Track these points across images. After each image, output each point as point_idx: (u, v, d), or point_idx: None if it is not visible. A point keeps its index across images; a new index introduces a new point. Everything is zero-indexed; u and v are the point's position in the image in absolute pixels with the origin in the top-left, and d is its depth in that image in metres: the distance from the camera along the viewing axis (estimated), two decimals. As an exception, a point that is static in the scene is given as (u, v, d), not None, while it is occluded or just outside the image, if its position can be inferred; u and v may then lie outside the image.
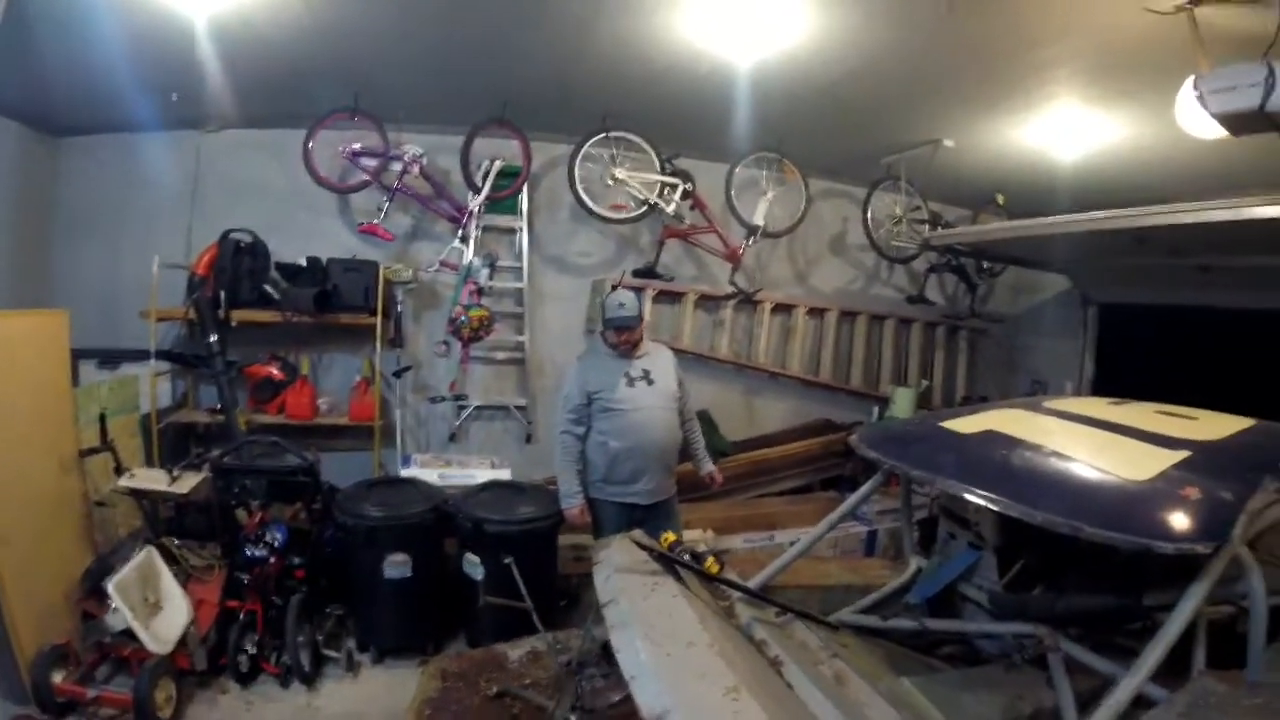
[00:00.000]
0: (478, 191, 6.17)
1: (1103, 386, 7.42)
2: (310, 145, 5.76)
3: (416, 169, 6.03)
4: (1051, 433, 2.95)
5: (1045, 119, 5.55)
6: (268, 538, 4.58)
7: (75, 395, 4.74)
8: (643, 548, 2.98)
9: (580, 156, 6.08)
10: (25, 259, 5.89)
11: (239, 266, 5.73)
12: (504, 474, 5.64)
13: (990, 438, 2.91)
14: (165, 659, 3.98)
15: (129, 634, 3.99)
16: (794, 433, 7.71)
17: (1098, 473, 2.51)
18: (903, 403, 7.52)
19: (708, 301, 7.40)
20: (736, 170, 6.76)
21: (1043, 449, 2.72)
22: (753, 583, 3.11)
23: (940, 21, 4.19)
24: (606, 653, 2.94)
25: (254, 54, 4.75)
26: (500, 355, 6.87)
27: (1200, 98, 3.34)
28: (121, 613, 3.94)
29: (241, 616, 4.46)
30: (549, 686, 3.00)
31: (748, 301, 7.35)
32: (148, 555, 4.34)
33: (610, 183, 6.25)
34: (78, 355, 4.88)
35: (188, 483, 4.65)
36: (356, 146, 5.89)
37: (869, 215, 7.32)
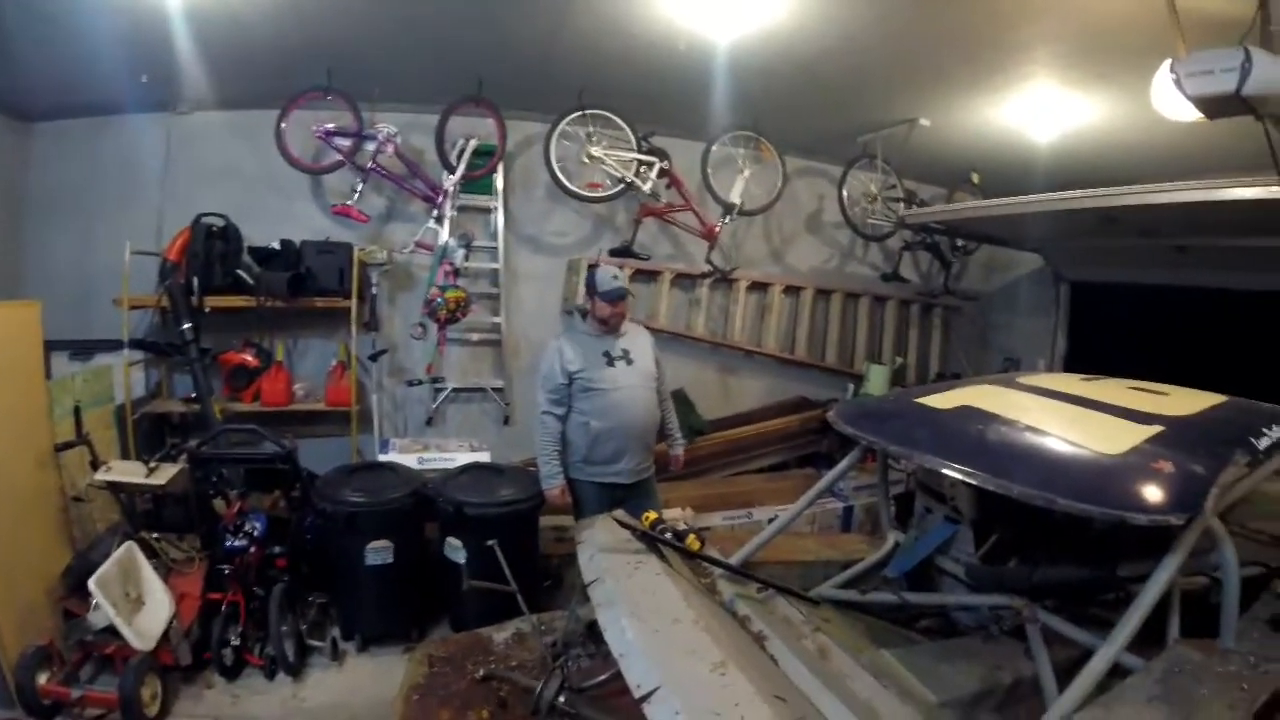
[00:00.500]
0: (453, 171, 6.13)
1: (1075, 364, 7.51)
2: (283, 126, 5.69)
3: (391, 149, 5.96)
4: (1026, 408, 2.98)
5: (1022, 99, 5.61)
6: (247, 527, 4.56)
7: (49, 388, 4.67)
8: (625, 526, 3.00)
9: (556, 135, 6.05)
10: (-4, 248, 5.80)
11: (211, 251, 5.64)
12: (483, 456, 5.62)
13: (966, 413, 2.93)
14: (149, 655, 3.94)
15: (112, 631, 3.93)
16: (770, 410, 7.75)
17: (1072, 446, 2.53)
18: (877, 380, 7.59)
19: (684, 280, 7.42)
20: (713, 148, 6.75)
21: (1018, 424, 2.75)
22: (733, 560, 3.14)
23: (919, 0, 4.20)
24: (592, 633, 2.98)
25: (226, 33, 4.69)
26: (476, 337, 6.86)
27: (1177, 81, 3.36)
28: (104, 610, 3.88)
29: (224, 609, 4.42)
30: (535, 668, 3.01)
31: (724, 280, 7.39)
32: (128, 550, 4.27)
33: (586, 161, 6.22)
34: (50, 347, 4.79)
35: (165, 474, 4.59)
36: (330, 126, 5.82)
37: (845, 193, 7.36)
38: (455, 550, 4.64)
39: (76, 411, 4.74)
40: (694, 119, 6.48)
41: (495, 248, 6.75)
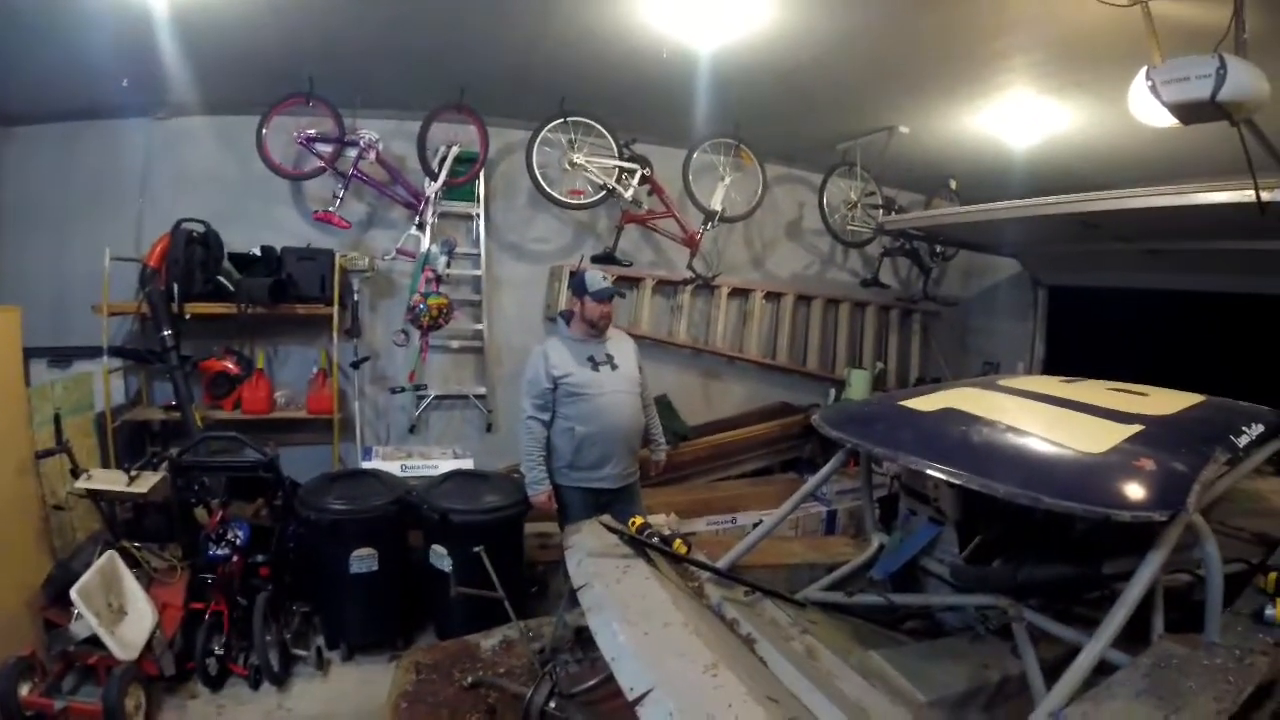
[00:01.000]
0: (434, 178, 6.12)
1: (1054, 367, 7.58)
2: (264, 131, 5.68)
3: (372, 155, 5.95)
4: (1008, 409, 3.02)
5: (999, 107, 5.67)
6: (229, 536, 4.51)
7: (28, 395, 4.61)
8: (613, 531, 3.00)
9: (538, 142, 6.07)
10: (-29, 255, 5.73)
11: (192, 257, 5.58)
12: (466, 463, 5.61)
13: (949, 415, 2.97)
14: (133, 665, 3.89)
15: (94, 641, 3.87)
16: (752, 416, 7.78)
17: (1055, 446, 2.57)
18: (858, 385, 7.66)
19: (666, 286, 7.44)
20: (694, 156, 6.77)
21: (1000, 425, 2.78)
22: (720, 563, 3.16)
23: (897, 10, 4.26)
24: (580, 638, 2.99)
25: (207, 38, 4.66)
26: (458, 344, 6.84)
27: (1153, 88, 3.42)
28: (86, 620, 3.83)
29: (207, 618, 4.39)
30: (524, 674, 3.01)
31: (705, 286, 7.42)
32: (109, 559, 4.22)
33: (568, 168, 6.25)
34: (28, 354, 4.73)
35: (146, 482, 4.55)
36: (311, 132, 5.81)
37: (825, 200, 7.42)
38: (440, 558, 4.62)
39: (56, 419, 4.68)
40: (675, 126, 6.51)
41: (477, 254, 6.73)
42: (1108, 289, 7.01)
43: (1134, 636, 2.34)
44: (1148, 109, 3.56)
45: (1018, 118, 5.80)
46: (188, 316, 5.56)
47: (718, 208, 6.98)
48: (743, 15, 4.39)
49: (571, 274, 6.22)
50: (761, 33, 4.60)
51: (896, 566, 3.31)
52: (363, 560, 4.64)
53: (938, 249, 8.41)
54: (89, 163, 5.99)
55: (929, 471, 2.66)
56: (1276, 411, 3.40)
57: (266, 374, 6.14)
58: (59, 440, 4.61)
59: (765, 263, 8.13)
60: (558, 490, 4.58)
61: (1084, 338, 7.43)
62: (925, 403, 3.16)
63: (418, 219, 6.16)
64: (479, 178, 6.51)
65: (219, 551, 4.47)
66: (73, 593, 3.85)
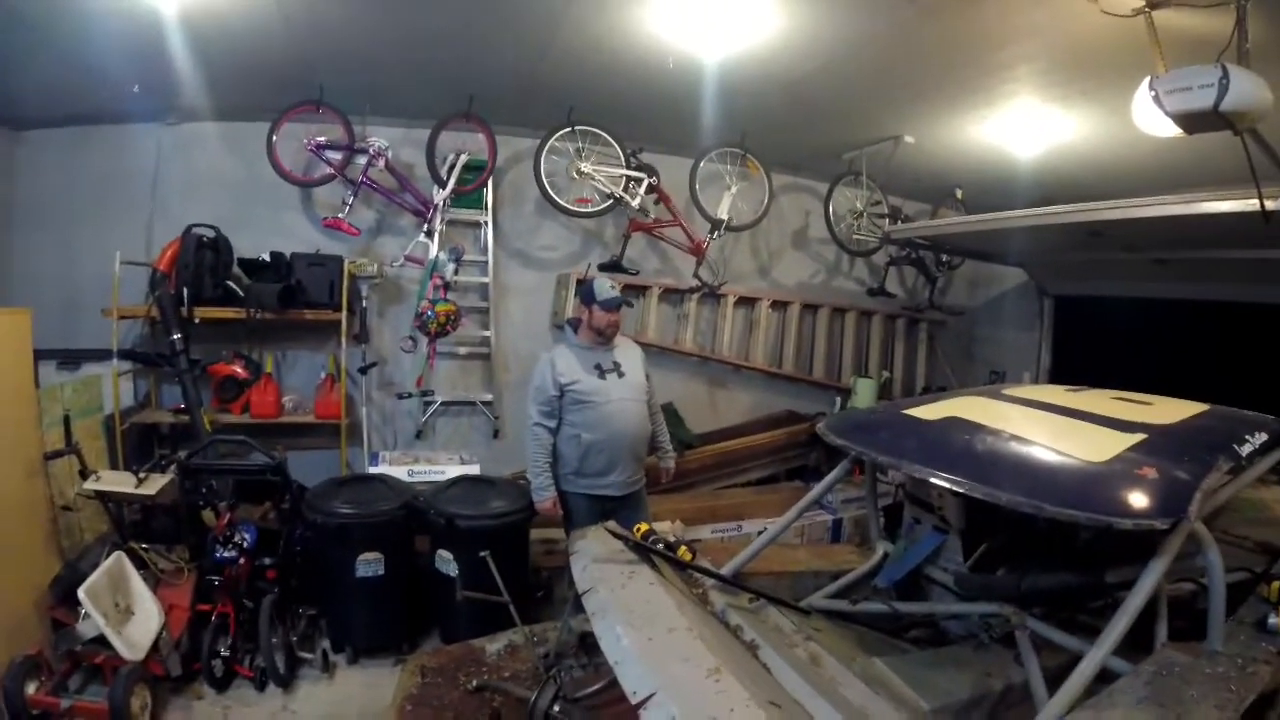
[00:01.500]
0: (443, 185, 6.15)
1: (1060, 376, 7.58)
2: (274, 138, 5.72)
3: (382, 162, 6.00)
4: (1012, 418, 3.03)
5: (1004, 117, 5.67)
6: (237, 539, 4.53)
7: (38, 397, 4.64)
8: (618, 537, 3.02)
9: (546, 150, 6.08)
10: (-17, 257, 5.78)
11: (202, 262, 5.64)
12: (473, 469, 5.63)
13: (953, 423, 2.98)
14: (139, 665, 3.91)
15: (101, 641, 3.90)
16: (758, 424, 7.79)
17: (1058, 455, 2.59)
18: (864, 393, 7.65)
19: (672, 295, 7.47)
20: (701, 165, 6.80)
21: (1004, 433, 2.80)
22: (725, 570, 3.17)
23: (903, 21, 4.27)
24: (585, 644, 3.00)
25: (219, 45, 4.70)
26: (465, 350, 6.87)
27: (1156, 98, 3.44)
28: (94, 619, 3.86)
29: (214, 620, 4.41)
30: (528, 679, 3.02)
31: (712, 295, 7.44)
32: (117, 560, 4.25)
33: (575, 177, 6.26)
34: (38, 356, 4.74)
35: (154, 484, 4.57)
36: (321, 139, 5.85)
37: (831, 209, 7.43)
38: (446, 562, 4.65)
39: (66, 421, 4.73)
40: (682, 136, 6.54)
41: (485, 262, 6.76)
42: (1114, 298, 7.01)
43: (1138, 645, 2.35)
44: (1151, 119, 3.57)
45: (1023, 127, 5.80)
46: (197, 320, 5.62)
47: (724, 216, 7.00)
48: (749, 25, 4.41)
49: (579, 282, 6.26)
50: (767, 43, 4.62)
51: (901, 575, 3.33)
52: (369, 564, 4.68)
53: (944, 258, 8.41)
54: (100, 167, 6.02)
55: (932, 480, 2.68)
56: None
57: (275, 378, 6.16)
58: (68, 442, 4.65)
59: (771, 271, 8.15)
60: (564, 497, 4.59)
61: (1090, 347, 7.42)
62: (930, 411, 3.17)
63: (426, 226, 6.21)
64: (487, 186, 6.55)
65: (226, 554, 4.49)
66: (80, 593, 3.89)
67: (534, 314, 7.08)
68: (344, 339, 6.02)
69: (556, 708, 2.59)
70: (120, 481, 4.60)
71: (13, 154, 5.95)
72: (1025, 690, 2.55)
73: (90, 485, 4.50)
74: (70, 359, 5.42)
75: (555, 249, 7.14)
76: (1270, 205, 3.85)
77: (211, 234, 5.73)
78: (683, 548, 3.08)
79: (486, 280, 6.77)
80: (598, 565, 2.80)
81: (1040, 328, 8.00)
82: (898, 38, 4.52)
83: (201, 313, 5.63)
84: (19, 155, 5.97)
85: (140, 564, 4.44)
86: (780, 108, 5.87)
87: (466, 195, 6.42)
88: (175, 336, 5.50)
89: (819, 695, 2.25)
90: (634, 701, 1.94)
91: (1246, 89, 3.23)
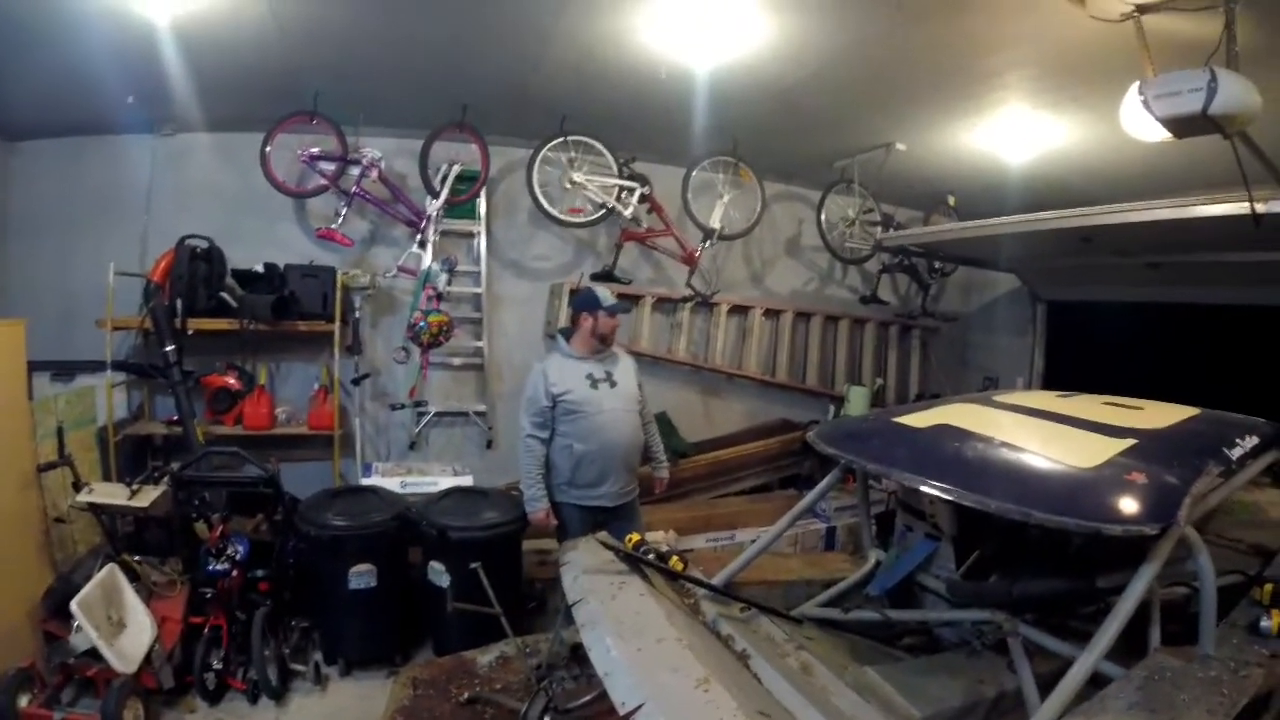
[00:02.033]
0: (436, 196, 6.15)
1: (1053, 381, 7.58)
2: (268, 149, 5.72)
3: (375, 173, 5.99)
4: (1002, 425, 3.04)
5: (995, 123, 5.69)
6: (229, 551, 4.52)
7: (31, 408, 4.63)
8: (609, 548, 3.02)
9: (538, 160, 6.10)
10: (-24, 268, 5.77)
11: (195, 274, 5.63)
12: (466, 480, 5.60)
13: (944, 431, 2.98)
14: (131, 678, 3.89)
15: (94, 654, 3.88)
16: (752, 433, 7.78)
17: (1048, 461, 2.59)
18: (858, 401, 7.66)
19: (665, 304, 7.45)
20: (693, 174, 6.81)
21: (994, 441, 2.80)
22: (716, 580, 3.17)
23: (892, 28, 4.28)
24: (576, 655, 3.00)
25: (213, 56, 4.71)
26: (458, 361, 6.85)
27: (1145, 102, 3.45)
28: (86, 632, 3.84)
29: (206, 632, 4.39)
30: (520, 690, 3.01)
31: (705, 303, 7.43)
32: (110, 572, 4.23)
33: (568, 186, 6.28)
34: (31, 367, 4.74)
35: (147, 496, 4.57)
36: (314, 150, 5.85)
37: (823, 217, 7.44)
38: (439, 574, 4.63)
39: (59, 432, 4.73)
40: (674, 145, 6.56)
41: (478, 272, 6.76)
42: (1106, 303, 7.02)
43: (1131, 650, 2.35)
44: (1141, 123, 3.59)
45: (1014, 133, 5.82)
46: (190, 332, 5.59)
47: (717, 225, 7.01)
48: (739, 35, 4.43)
49: (572, 291, 6.25)
50: (758, 52, 4.63)
51: (893, 583, 3.32)
52: (361, 576, 4.65)
53: (936, 265, 8.42)
54: (94, 178, 6.03)
55: (922, 488, 2.68)
56: (1272, 424, 3.41)
57: (268, 390, 6.16)
58: (61, 453, 4.65)
59: (764, 280, 8.15)
60: (556, 507, 4.58)
61: (1084, 352, 7.42)
62: (920, 419, 3.17)
63: (419, 237, 6.19)
64: (480, 196, 6.55)
65: (219, 566, 4.47)
66: (73, 605, 3.87)
67: (527, 324, 7.07)
68: (337, 350, 6.01)
69: (547, 719, 2.59)
70: (113, 494, 4.59)
71: (7, 165, 5.94)
72: (1018, 697, 2.55)
73: (83, 497, 4.50)
74: (64, 370, 5.39)
75: (548, 259, 7.14)
76: (1261, 208, 3.86)
77: (205, 245, 5.71)
78: (674, 558, 3.08)
79: (480, 291, 6.76)
80: (588, 576, 2.80)
81: (1033, 333, 8.01)
82: (887, 45, 4.54)
83: (195, 324, 5.61)
84: (13, 166, 5.97)
85: (133, 576, 4.42)
86: (771, 116, 5.89)
87: (460, 205, 6.42)
88: (169, 348, 5.48)
89: (810, 704, 2.25)
90: (622, 712, 1.94)
91: (1235, 92, 3.25)
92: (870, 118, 6.01)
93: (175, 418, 5.63)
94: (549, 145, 6.10)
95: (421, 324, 5.88)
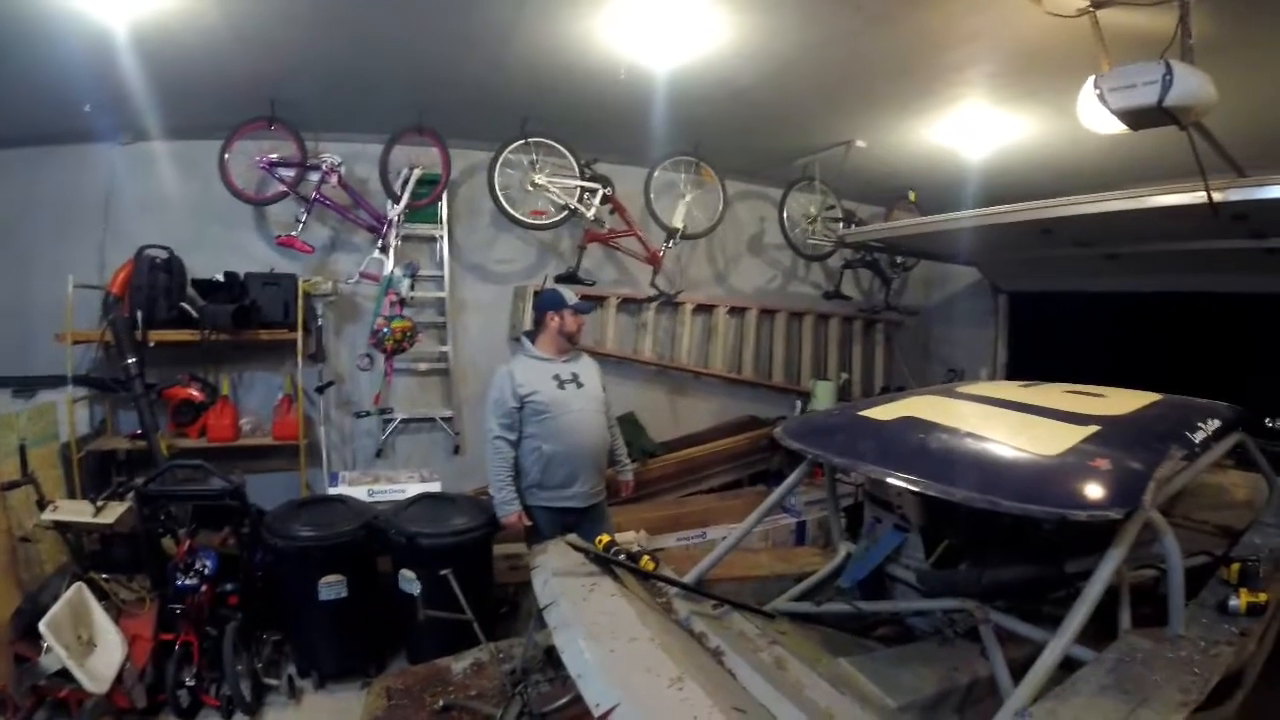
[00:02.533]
0: (397, 200, 6.11)
1: (1016, 372, 7.70)
2: (226, 156, 5.63)
3: (335, 178, 5.94)
4: (966, 415, 3.07)
5: (954, 119, 5.74)
6: (198, 565, 4.45)
7: (-8, 426, 4.54)
8: (579, 550, 3.01)
9: (499, 163, 6.07)
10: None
11: (155, 284, 5.54)
12: (434, 486, 5.57)
13: (908, 423, 3.01)
14: (104, 699, 3.85)
15: (65, 675, 3.82)
16: (719, 430, 7.82)
17: (1012, 450, 2.62)
18: (824, 396, 7.73)
19: (630, 304, 7.47)
20: (655, 174, 6.83)
21: (959, 431, 2.83)
22: (688, 578, 3.17)
23: (851, 27, 4.30)
24: (550, 658, 3.00)
25: (170, 63, 4.63)
26: (423, 366, 6.81)
27: (1101, 95, 3.50)
28: (56, 653, 3.78)
29: (177, 649, 4.31)
30: (495, 696, 3.01)
31: (669, 303, 7.45)
32: (78, 591, 4.17)
33: (530, 189, 6.25)
34: (-9, 384, 4.67)
35: (113, 513, 4.50)
36: (273, 156, 5.78)
37: (785, 215, 7.50)
38: (409, 582, 4.58)
39: (21, 450, 4.64)
40: (636, 145, 6.55)
41: (441, 276, 6.71)
42: (1067, 293, 7.12)
43: (1103, 634, 2.38)
44: (1097, 116, 3.64)
45: (973, 128, 5.87)
46: (152, 344, 5.50)
47: (680, 225, 7.04)
48: (699, 35, 4.43)
49: (536, 293, 6.23)
50: (718, 51, 4.64)
51: (863, 575, 3.35)
52: (332, 587, 4.60)
53: (898, 260, 8.52)
54: (51, 189, 5.88)
55: (889, 479, 2.70)
56: (1232, 407, 3.48)
57: (231, 401, 6.06)
58: (24, 471, 4.56)
59: (728, 278, 8.19)
60: (525, 511, 4.55)
61: (1045, 342, 7.53)
62: (885, 412, 3.20)
63: (381, 242, 6.14)
64: (442, 200, 6.50)
65: (187, 581, 4.41)
66: (42, 626, 3.80)
67: (492, 328, 7.05)
68: (300, 358, 5.94)
69: (523, 722, 2.58)
70: (78, 511, 4.53)
71: (-41, 177, 5.79)
72: (992, 683, 2.58)
73: (48, 515, 4.43)
74: (25, 387, 5.30)
75: (512, 262, 7.11)
76: (1218, 197, 3.94)
77: (164, 255, 5.63)
78: (645, 557, 3.08)
79: (443, 295, 6.72)
80: (559, 579, 2.79)
81: (995, 325, 8.12)
82: (846, 44, 4.56)
83: (156, 335, 5.52)
84: (-35, 179, 5.82)
85: (101, 595, 4.36)
86: (732, 115, 5.91)
87: (421, 210, 6.37)
88: (130, 360, 5.38)
89: (784, 698, 2.26)
90: (597, 714, 1.94)
91: (1190, 84, 3.30)
92: (830, 115, 6.05)
93: (138, 432, 5.52)
94: (510, 147, 6.07)
95: (385, 330, 5.84)
